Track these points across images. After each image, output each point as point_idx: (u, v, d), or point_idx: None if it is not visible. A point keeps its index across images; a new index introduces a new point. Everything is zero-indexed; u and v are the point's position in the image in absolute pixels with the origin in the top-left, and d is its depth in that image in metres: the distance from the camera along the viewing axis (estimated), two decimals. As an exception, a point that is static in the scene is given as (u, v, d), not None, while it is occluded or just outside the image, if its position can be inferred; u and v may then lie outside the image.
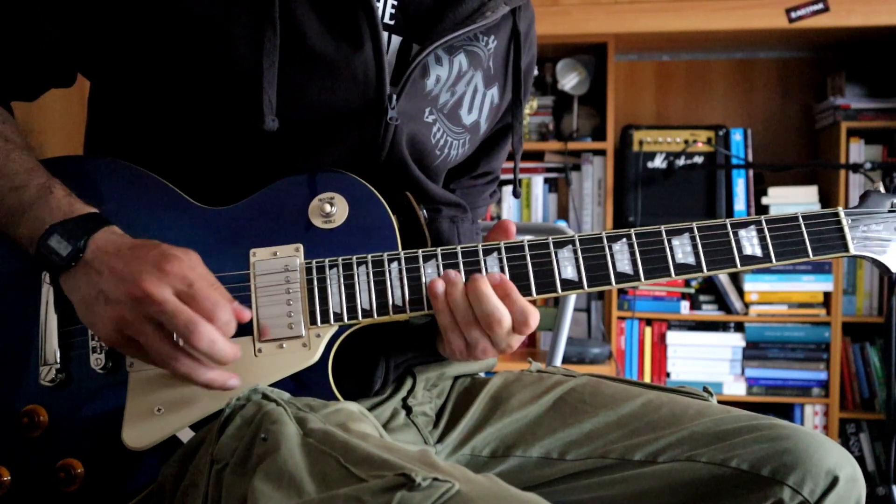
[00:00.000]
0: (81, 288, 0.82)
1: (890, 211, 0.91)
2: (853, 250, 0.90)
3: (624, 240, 0.88)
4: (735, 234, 0.89)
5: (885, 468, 2.62)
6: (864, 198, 0.93)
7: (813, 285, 2.82)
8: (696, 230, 0.89)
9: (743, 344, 2.87)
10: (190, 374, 0.80)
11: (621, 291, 2.94)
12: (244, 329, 0.83)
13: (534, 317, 0.86)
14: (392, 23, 0.96)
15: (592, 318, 3.01)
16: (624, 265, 0.88)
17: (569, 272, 0.88)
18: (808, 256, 0.89)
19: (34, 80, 0.97)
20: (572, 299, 1.50)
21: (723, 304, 2.89)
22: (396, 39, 0.96)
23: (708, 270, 0.88)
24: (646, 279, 0.88)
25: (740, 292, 2.87)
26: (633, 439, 0.94)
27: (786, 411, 2.88)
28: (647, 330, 2.94)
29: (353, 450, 0.67)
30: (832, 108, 2.84)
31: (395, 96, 0.92)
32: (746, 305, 2.86)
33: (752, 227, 0.89)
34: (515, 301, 0.86)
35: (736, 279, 2.89)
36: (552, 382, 1.04)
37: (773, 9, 2.66)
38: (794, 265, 2.80)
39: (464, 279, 0.87)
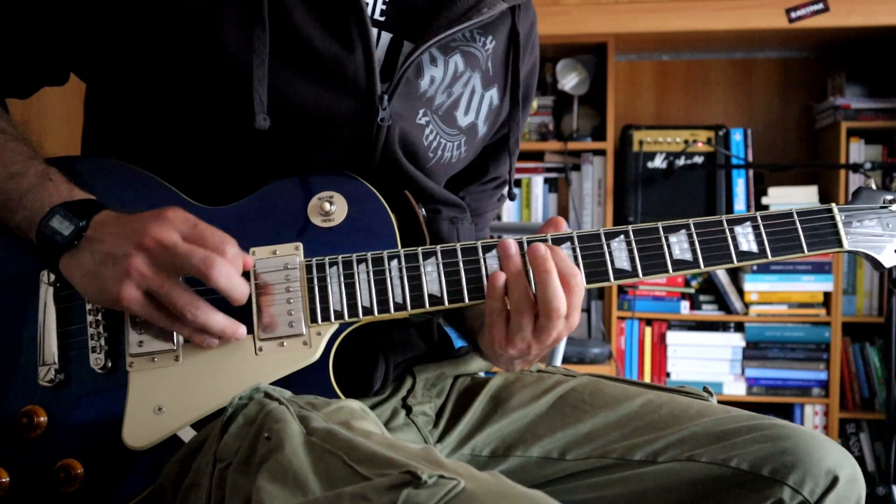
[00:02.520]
0: (84, 262, 0.81)
1: (881, 207, 0.93)
2: (847, 245, 0.91)
3: (622, 237, 0.89)
4: (731, 230, 0.90)
5: (885, 468, 2.61)
6: (856, 194, 0.94)
7: (813, 285, 2.81)
8: (692, 227, 0.89)
9: (743, 344, 2.87)
10: (207, 321, 0.80)
11: (621, 291, 2.94)
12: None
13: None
14: (382, 19, 0.95)
15: (592, 318, 3.00)
16: (622, 262, 0.88)
17: None
18: (802, 252, 0.90)
19: (26, 77, 0.97)
20: (572, 299, 1.50)
21: (723, 304, 2.89)
22: (386, 36, 0.95)
23: (705, 266, 0.89)
24: (644, 275, 0.88)
25: (740, 292, 2.87)
26: (633, 439, 0.94)
27: (786, 411, 2.88)
28: (647, 330, 2.94)
29: (356, 448, 0.67)
30: (832, 108, 2.84)
31: (386, 96, 0.91)
32: (746, 305, 2.86)
33: (748, 223, 0.90)
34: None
35: (736, 279, 2.89)
36: (552, 382, 1.03)
37: (773, 9, 2.66)
38: (794, 265, 2.80)
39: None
